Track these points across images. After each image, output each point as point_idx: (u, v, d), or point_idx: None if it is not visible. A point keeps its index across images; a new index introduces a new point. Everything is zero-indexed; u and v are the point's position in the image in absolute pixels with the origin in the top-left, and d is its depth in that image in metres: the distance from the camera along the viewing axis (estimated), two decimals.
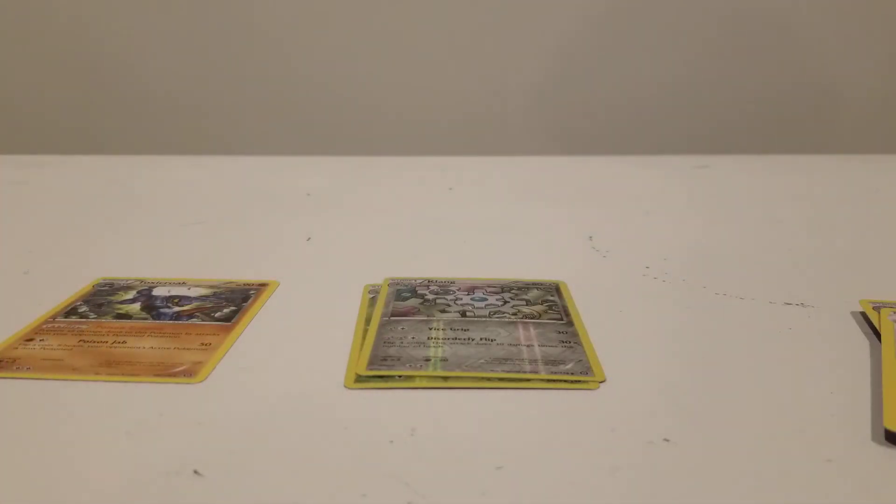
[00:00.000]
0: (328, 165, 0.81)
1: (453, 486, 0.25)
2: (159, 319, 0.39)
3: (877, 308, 0.39)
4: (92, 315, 0.39)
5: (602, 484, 0.25)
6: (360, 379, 0.32)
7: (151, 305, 0.40)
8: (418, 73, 1.24)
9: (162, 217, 0.59)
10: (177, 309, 0.40)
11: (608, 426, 0.29)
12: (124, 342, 0.36)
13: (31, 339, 0.36)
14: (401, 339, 0.36)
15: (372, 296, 0.42)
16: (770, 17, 1.21)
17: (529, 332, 0.37)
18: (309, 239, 0.53)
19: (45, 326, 0.38)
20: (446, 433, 0.28)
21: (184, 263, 0.48)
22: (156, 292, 0.42)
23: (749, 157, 0.88)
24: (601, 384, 0.32)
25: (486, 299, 0.41)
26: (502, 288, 0.43)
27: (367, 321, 0.38)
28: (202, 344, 0.36)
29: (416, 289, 0.43)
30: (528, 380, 0.32)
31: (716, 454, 0.27)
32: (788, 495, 0.25)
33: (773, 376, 0.33)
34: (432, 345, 0.35)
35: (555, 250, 0.51)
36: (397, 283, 0.43)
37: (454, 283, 0.44)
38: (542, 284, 0.44)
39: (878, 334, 0.37)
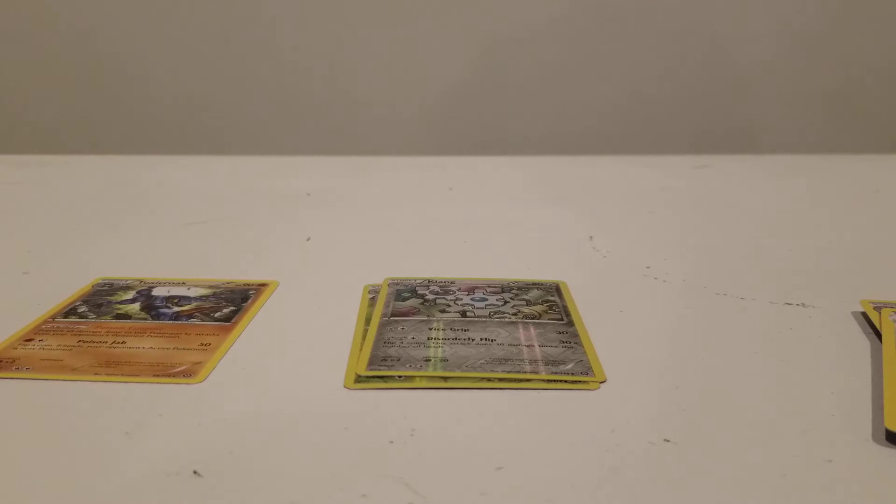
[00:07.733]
0: (328, 165, 0.81)
1: (453, 487, 0.25)
2: (159, 319, 0.39)
3: (877, 308, 0.39)
4: (91, 315, 0.39)
5: (602, 484, 0.25)
6: (359, 379, 0.32)
7: (151, 305, 0.40)
8: (420, 72, 1.24)
9: (162, 217, 0.59)
10: (176, 309, 0.40)
11: (608, 426, 0.29)
12: (124, 342, 0.36)
13: (30, 340, 0.36)
14: (401, 339, 0.36)
15: (372, 296, 0.42)
16: (770, 18, 1.21)
17: (529, 332, 0.37)
18: (309, 239, 0.53)
19: (44, 326, 0.38)
20: (446, 433, 0.28)
21: (184, 263, 0.48)
22: (155, 292, 0.42)
23: (749, 157, 0.88)
24: (601, 384, 0.32)
25: (486, 299, 0.41)
26: (502, 288, 0.43)
27: (367, 321, 0.38)
28: (202, 344, 0.36)
29: (416, 289, 0.43)
30: (528, 380, 0.32)
31: (716, 454, 0.27)
32: (788, 495, 0.25)
33: (773, 376, 0.33)
34: (432, 345, 0.35)
35: (555, 250, 0.51)
36: (397, 283, 0.43)
37: (454, 283, 0.44)
38: (542, 284, 0.44)
39: (878, 334, 0.37)
